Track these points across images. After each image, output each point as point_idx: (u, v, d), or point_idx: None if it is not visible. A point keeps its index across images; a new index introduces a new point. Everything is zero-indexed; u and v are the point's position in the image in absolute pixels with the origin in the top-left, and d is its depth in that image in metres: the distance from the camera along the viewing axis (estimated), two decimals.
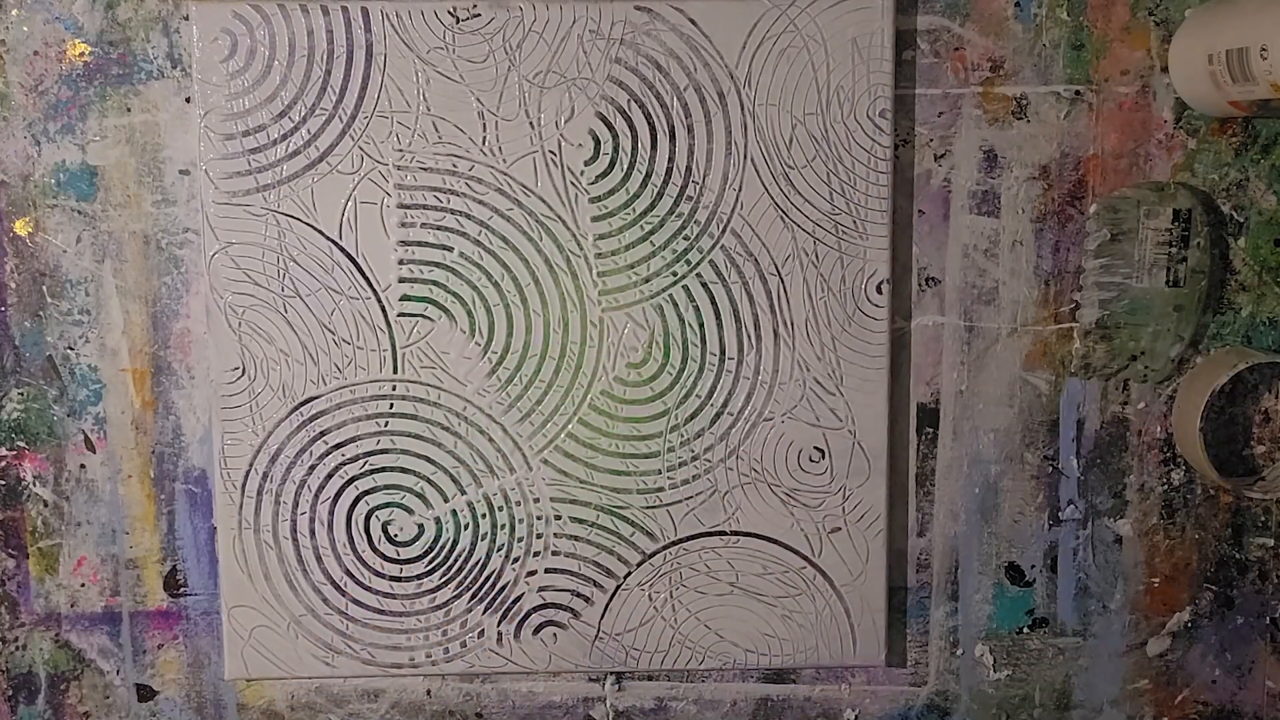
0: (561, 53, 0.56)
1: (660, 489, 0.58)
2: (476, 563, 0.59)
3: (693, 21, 0.56)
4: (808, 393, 0.58)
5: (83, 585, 0.60)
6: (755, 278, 0.57)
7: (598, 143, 0.57)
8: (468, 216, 0.57)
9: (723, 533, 0.59)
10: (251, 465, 0.57)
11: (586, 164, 0.57)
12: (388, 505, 0.58)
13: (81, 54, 0.57)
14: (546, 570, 0.59)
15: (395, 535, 0.58)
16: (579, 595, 0.59)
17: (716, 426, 0.58)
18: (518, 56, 0.56)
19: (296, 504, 0.58)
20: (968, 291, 0.59)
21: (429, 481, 0.58)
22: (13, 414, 0.59)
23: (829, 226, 0.57)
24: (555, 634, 0.59)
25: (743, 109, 0.56)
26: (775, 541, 0.59)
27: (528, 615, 0.59)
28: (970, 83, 0.58)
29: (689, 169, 0.57)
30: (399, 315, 0.57)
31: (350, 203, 0.56)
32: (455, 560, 0.58)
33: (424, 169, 0.56)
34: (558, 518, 0.58)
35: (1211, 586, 0.61)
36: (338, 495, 0.58)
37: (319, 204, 0.56)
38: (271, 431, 0.57)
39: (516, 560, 0.59)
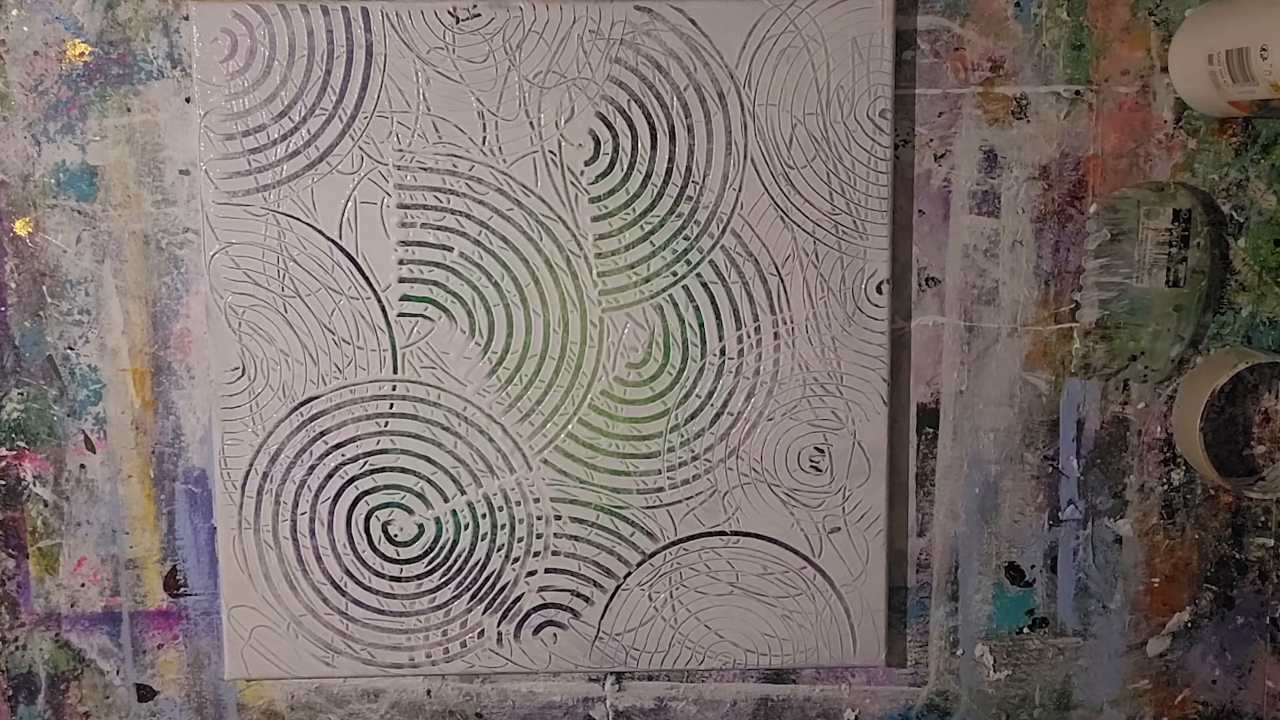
0: (561, 53, 0.56)
1: (660, 489, 0.58)
2: (476, 563, 0.59)
3: (693, 21, 0.56)
4: (808, 393, 0.58)
5: (83, 585, 0.60)
6: (755, 278, 0.57)
7: (598, 143, 0.57)
8: (468, 216, 0.57)
9: (723, 533, 0.59)
10: (251, 465, 0.57)
11: (586, 164, 0.57)
12: (388, 505, 0.58)
13: (81, 54, 0.57)
14: (546, 570, 0.59)
15: (395, 535, 0.58)
16: (579, 595, 0.59)
17: (716, 426, 0.58)
18: (518, 56, 0.56)
19: (296, 504, 0.58)
20: (968, 291, 0.59)
21: (429, 481, 0.58)
22: (13, 414, 0.59)
23: (829, 226, 0.57)
24: (555, 634, 0.59)
25: (743, 109, 0.56)
26: (775, 541, 0.59)
27: (528, 615, 0.59)
28: (970, 83, 0.58)
29: (689, 169, 0.57)
30: (399, 315, 0.57)
31: (350, 203, 0.56)
32: (455, 560, 0.58)
33: (424, 169, 0.56)
34: (558, 518, 0.58)
35: (1211, 586, 0.61)
36: (338, 495, 0.58)
37: (319, 204, 0.56)
38: (271, 431, 0.57)
39: (516, 560, 0.59)
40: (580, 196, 0.57)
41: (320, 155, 0.56)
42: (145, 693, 0.61)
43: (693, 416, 0.58)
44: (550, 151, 0.56)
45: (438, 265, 0.57)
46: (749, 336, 0.58)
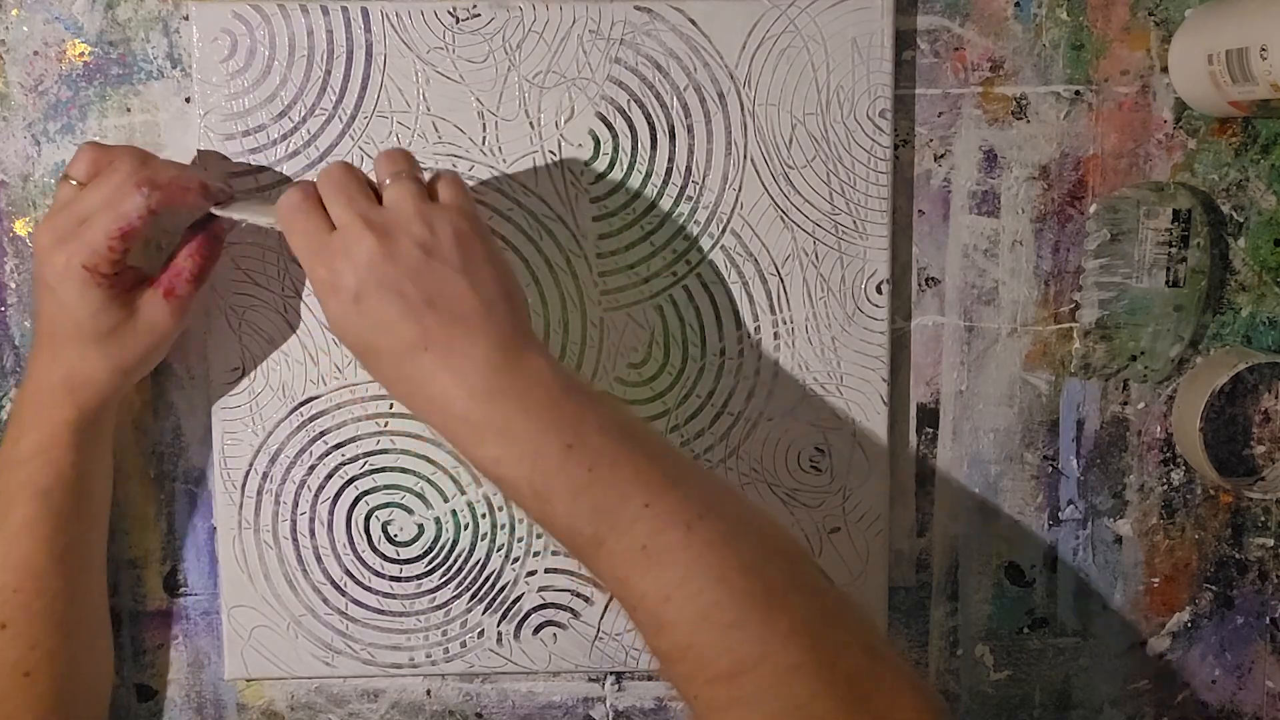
0: (561, 53, 0.56)
1: None
2: (476, 563, 0.59)
3: (693, 21, 0.56)
4: (808, 393, 0.58)
5: None
6: (755, 278, 0.57)
7: (598, 143, 0.57)
8: None
9: None
10: (251, 465, 0.57)
11: (586, 164, 0.57)
12: (388, 505, 0.58)
13: (81, 54, 0.57)
14: (546, 570, 0.59)
15: (395, 535, 0.58)
16: (579, 595, 0.59)
17: (716, 426, 0.58)
18: (518, 56, 0.56)
19: (296, 504, 0.58)
20: (968, 291, 0.59)
21: (429, 481, 0.58)
22: None
23: (829, 226, 0.57)
24: (555, 634, 0.59)
25: (743, 109, 0.56)
26: None
27: (528, 615, 0.59)
28: (970, 83, 0.58)
29: (689, 169, 0.57)
30: None
31: None
32: (455, 560, 0.58)
33: (424, 169, 0.56)
34: None
35: (1211, 586, 0.61)
36: (338, 495, 0.58)
37: None
38: (271, 431, 0.57)
39: (516, 560, 0.59)
40: (580, 196, 0.57)
41: (320, 155, 0.56)
42: (145, 693, 0.61)
43: (693, 416, 0.58)
44: (550, 151, 0.56)
45: None
46: (749, 336, 0.58)
